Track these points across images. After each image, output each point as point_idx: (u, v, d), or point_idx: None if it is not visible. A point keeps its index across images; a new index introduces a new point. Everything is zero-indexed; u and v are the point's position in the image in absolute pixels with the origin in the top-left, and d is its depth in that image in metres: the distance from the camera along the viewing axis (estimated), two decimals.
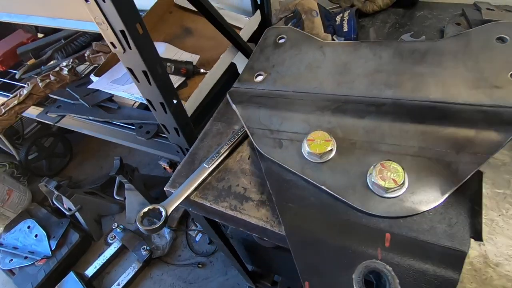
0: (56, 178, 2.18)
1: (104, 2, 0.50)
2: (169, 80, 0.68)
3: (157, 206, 0.55)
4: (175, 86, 1.02)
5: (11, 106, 1.07)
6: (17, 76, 1.26)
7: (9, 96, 1.16)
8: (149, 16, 1.23)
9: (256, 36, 1.25)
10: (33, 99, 1.11)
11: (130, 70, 0.65)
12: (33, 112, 1.16)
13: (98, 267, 1.77)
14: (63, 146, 2.31)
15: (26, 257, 1.78)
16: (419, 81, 0.44)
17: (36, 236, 1.86)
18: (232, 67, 1.17)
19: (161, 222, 0.52)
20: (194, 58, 1.13)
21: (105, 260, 1.79)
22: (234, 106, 0.49)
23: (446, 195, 0.33)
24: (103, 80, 1.02)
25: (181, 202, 0.56)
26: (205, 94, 1.02)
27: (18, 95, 1.09)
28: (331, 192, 0.35)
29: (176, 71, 1.03)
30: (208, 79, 1.01)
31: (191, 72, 1.04)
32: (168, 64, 1.02)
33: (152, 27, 1.24)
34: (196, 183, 0.57)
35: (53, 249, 1.80)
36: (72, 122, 1.12)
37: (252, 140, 0.44)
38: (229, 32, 1.01)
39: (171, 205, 0.55)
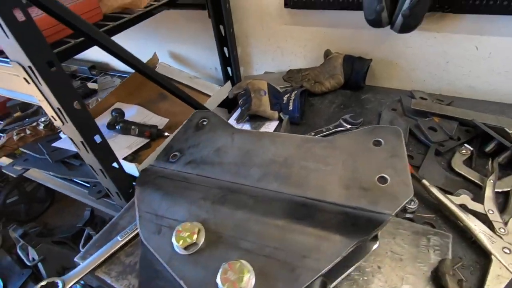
0: (31, 224, 2.15)
1: (41, 84, 0.57)
2: (107, 148, 0.73)
3: (56, 279, 0.54)
4: (138, 147, 1.08)
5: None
6: (0, 127, 1.34)
7: None
8: (131, 80, 1.34)
9: (227, 102, 1.34)
10: (5, 150, 1.16)
11: (71, 139, 0.69)
12: (4, 161, 1.21)
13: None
14: (45, 192, 2.32)
15: None
16: (304, 176, 0.46)
17: None
18: None
19: None
20: (163, 121, 1.20)
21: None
22: (135, 187, 0.52)
23: None
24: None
25: (85, 275, 0.56)
26: None
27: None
28: None
29: (140, 134, 1.09)
30: None
31: (155, 135, 1.10)
32: (133, 127, 1.08)
33: (132, 91, 1.35)
34: (104, 256, 0.57)
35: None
36: (36, 175, 1.16)
37: (138, 223, 0.46)
38: (188, 100, 1.09)
39: (72, 280, 0.55)
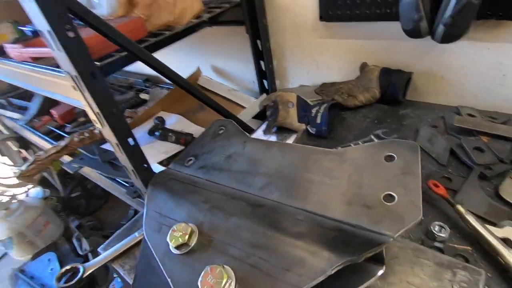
0: (88, 217, 2.40)
1: (84, 92, 0.65)
2: (139, 151, 0.79)
3: (78, 265, 0.60)
4: (173, 153, 1.15)
5: (49, 154, 1.31)
6: (67, 130, 1.56)
7: (55, 143, 1.43)
8: (175, 92, 1.45)
9: (262, 114, 1.36)
10: (68, 150, 1.34)
11: (108, 140, 0.77)
12: (65, 159, 1.40)
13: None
14: (102, 190, 2.59)
15: None
16: (306, 188, 0.45)
17: (51, 270, 2.00)
18: None
19: (73, 282, 0.56)
20: (198, 130, 1.27)
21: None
22: (148, 186, 0.55)
23: None
24: None
25: (102, 265, 0.61)
26: None
27: (57, 146, 1.34)
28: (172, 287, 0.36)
29: (176, 141, 1.16)
30: None
31: (189, 142, 1.16)
32: (170, 134, 1.16)
33: (175, 101, 1.45)
34: (121, 250, 0.62)
35: (61, 285, 1.89)
36: (89, 172, 1.31)
37: (143, 221, 0.48)
38: (222, 111, 1.14)
39: (92, 268, 0.60)
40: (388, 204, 0.38)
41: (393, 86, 0.91)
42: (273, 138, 0.94)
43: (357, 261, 0.33)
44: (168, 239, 0.40)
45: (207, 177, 0.54)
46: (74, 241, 1.98)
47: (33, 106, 1.76)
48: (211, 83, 1.48)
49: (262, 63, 1.25)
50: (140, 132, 1.24)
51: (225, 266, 0.36)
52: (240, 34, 1.24)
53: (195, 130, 1.26)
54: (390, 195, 0.39)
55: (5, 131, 2.13)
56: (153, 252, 0.42)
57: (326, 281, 0.36)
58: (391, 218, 0.37)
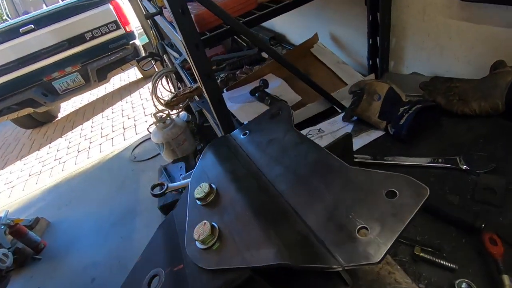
0: None
1: (189, 59, 0.84)
2: (225, 110, 0.96)
3: (165, 183, 0.86)
4: None
5: (184, 92, 1.71)
6: None
7: (191, 85, 1.82)
8: (287, 55, 1.52)
9: None
10: (197, 91, 1.70)
11: (205, 96, 0.97)
12: (196, 97, 1.78)
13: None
14: None
15: None
16: (306, 190, 0.49)
17: (180, 175, 2.70)
18: None
19: (160, 192, 0.84)
20: (295, 98, 1.34)
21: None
22: (207, 146, 0.71)
23: None
24: (227, 95, 1.44)
25: (175, 190, 0.86)
26: None
27: (190, 88, 1.71)
28: None
29: (270, 104, 1.28)
30: None
31: None
32: (267, 97, 1.29)
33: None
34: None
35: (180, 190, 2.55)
36: (206, 113, 1.64)
37: (194, 170, 0.65)
38: (319, 90, 1.15)
39: (172, 188, 0.86)
40: (358, 236, 0.39)
41: None
42: (349, 127, 0.92)
43: (294, 267, 0.38)
44: (195, 191, 0.55)
45: (248, 152, 0.64)
46: (197, 161, 2.58)
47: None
48: (323, 51, 1.46)
49: (377, 39, 1.12)
50: (246, 90, 1.42)
51: (215, 225, 0.48)
52: (359, 5, 1.13)
53: (292, 97, 1.33)
54: (365, 228, 0.39)
55: (170, 66, 2.81)
56: (188, 194, 0.59)
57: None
58: (352, 250, 0.38)
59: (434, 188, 0.66)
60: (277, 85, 1.43)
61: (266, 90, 1.35)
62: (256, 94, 1.32)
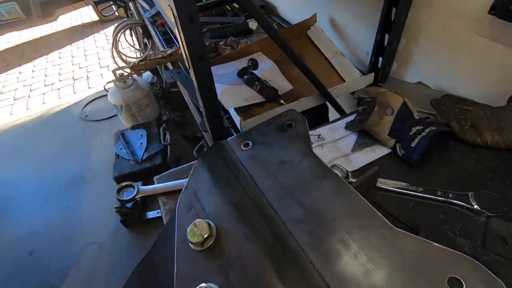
0: (177, 113, 2.76)
1: (180, 35, 0.65)
2: (214, 99, 0.80)
3: (134, 185, 0.71)
4: (253, 102, 1.14)
5: (156, 57, 1.46)
6: None
7: (165, 48, 1.56)
8: (282, 33, 1.35)
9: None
10: (172, 58, 1.46)
11: (192, 81, 0.80)
12: (169, 65, 1.54)
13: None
14: None
15: (128, 153, 2.40)
16: (337, 253, 0.39)
17: (140, 144, 2.46)
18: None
19: (126, 198, 0.68)
20: (286, 86, 1.20)
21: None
22: (199, 157, 0.57)
23: None
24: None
25: (152, 195, 0.71)
26: None
27: (164, 52, 1.46)
28: None
29: (260, 91, 1.14)
30: (278, 111, 1.08)
31: (271, 98, 1.13)
32: (256, 83, 1.13)
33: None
34: (169, 189, 0.69)
35: (142, 159, 2.35)
36: (181, 86, 1.43)
37: (182, 191, 0.51)
38: (316, 83, 1.03)
39: (143, 193, 0.70)
40: None
41: None
42: (352, 137, 0.83)
43: None
44: (187, 230, 0.42)
45: (252, 173, 0.52)
46: (161, 131, 2.34)
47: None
48: (320, 36, 1.32)
49: (386, 36, 1.02)
50: (232, 69, 1.24)
51: None
52: None
53: (282, 85, 1.20)
54: None
55: (137, 17, 2.41)
56: (176, 229, 0.45)
57: None
58: None
59: (444, 227, 0.61)
60: (267, 68, 1.27)
61: (255, 72, 1.19)
62: (245, 76, 1.16)
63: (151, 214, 2.09)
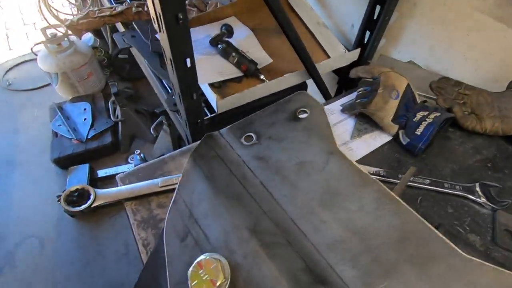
0: (128, 84, 2.42)
1: None
2: (193, 75, 0.63)
3: (91, 190, 0.53)
4: (229, 77, 0.98)
5: (103, 14, 1.17)
6: None
7: (113, 4, 1.27)
8: None
9: (343, 71, 1.11)
10: (122, 17, 1.19)
11: (163, 49, 0.61)
12: (120, 27, 1.26)
13: (108, 174, 1.95)
14: None
15: (68, 130, 2.05)
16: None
17: (84, 119, 2.12)
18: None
19: (77, 210, 0.50)
20: (266, 60, 1.06)
21: (116, 172, 1.97)
22: (189, 157, 0.42)
23: None
24: None
25: (114, 201, 0.54)
26: (248, 101, 0.96)
27: (113, 9, 1.18)
28: None
29: (237, 64, 0.98)
30: (259, 89, 0.94)
31: (250, 72, 0.98)
32: (233, 54, 0.97)
33: (253, 8, 1.18)
34: (139, 193, 0.54)
35: (88, 137, 2.03)
36: (137, 53, 1.18)
37: (168, 209, 0.37)
38: (304, 58, 0.91)
39: (103, 199, 0.53)
40: None
41: None
42: (350, 122, 0.74)
43: None
44: (189, 274, 0.29)
45: (263, 179, 0.40)
46: (110, 105, 2.03)
47: None
48: (302, 4, 1.17)
49: (377, 8, 0.93)
50: (201, 35, 1.05)
51: None
52: None
53: (261, 58, 1.05)
54: None
55: None
56: (166, 267, 0.32)
57: None
58: None
59: (454, 223, 0.58)
60: (243, 36, 1.10)
61: (231, 41, 1.02)
62: (219, 46, 0.98)
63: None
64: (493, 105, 0.70)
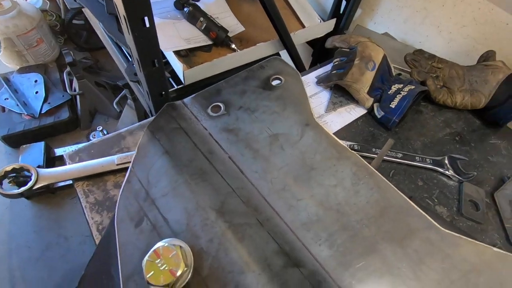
0: (86, 54, 2.20)
1: None
2: (153, 40, 0.55)
3: (32, 170, 0.45)
4: (197, 45, 0.90)
5: None
6: None
7: None
8: None
9: (317, 43, 1.07)
10: None
11: (116, 8, 0.52)
12: None
13: (67, 151, 1.80)
14: None
15: (18, 105, 1.84)
16: (376, 267, 0.28)
17: (36, 92, 1.92)
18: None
19: (16, 192, 0.43)
20: (237, 28, 0.98)
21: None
22: (145, 129, 0.37)
23: None
24: None
25: (62, 180, 0.47)
26: (218, 72, 0.88)
27: None
28: None
29: (205, 31, 0.90)
30: (229, 59, 0.87)
31: (220, 40, 0.90)
32: (202, 19, 0.88)
33: None
34: (92, 172, 0.47)
35: (42, 112, 1.84)
36: (91, 16, 1.04)
37: (121, 188, 0.32)
38: (279, 26, 0.85)
39: (47, 179, 0.46)
40: None
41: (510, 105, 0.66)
42: (325, 94, 0.71)
43: None
44: (144, 265, 0.25)
45: (232, 154, 0.35)
46: (65, 76, 1.83)
47: None
48: None
49: None
50: None
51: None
52: None
53: (233, 25, 0.97)
54: None
55: None
56: (118, 256, 0.27)
57: None
58: None
59: (424, 195, 0.58)
60: (211, 0, 1.01)
61: (199, 5, 0.92)
62: (185, 9, 0.89)
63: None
64: (464, 78, 0.70)
